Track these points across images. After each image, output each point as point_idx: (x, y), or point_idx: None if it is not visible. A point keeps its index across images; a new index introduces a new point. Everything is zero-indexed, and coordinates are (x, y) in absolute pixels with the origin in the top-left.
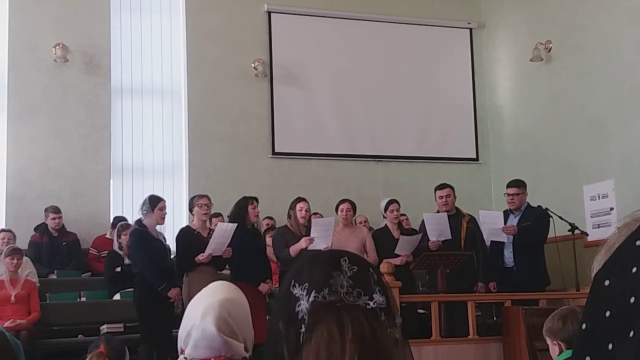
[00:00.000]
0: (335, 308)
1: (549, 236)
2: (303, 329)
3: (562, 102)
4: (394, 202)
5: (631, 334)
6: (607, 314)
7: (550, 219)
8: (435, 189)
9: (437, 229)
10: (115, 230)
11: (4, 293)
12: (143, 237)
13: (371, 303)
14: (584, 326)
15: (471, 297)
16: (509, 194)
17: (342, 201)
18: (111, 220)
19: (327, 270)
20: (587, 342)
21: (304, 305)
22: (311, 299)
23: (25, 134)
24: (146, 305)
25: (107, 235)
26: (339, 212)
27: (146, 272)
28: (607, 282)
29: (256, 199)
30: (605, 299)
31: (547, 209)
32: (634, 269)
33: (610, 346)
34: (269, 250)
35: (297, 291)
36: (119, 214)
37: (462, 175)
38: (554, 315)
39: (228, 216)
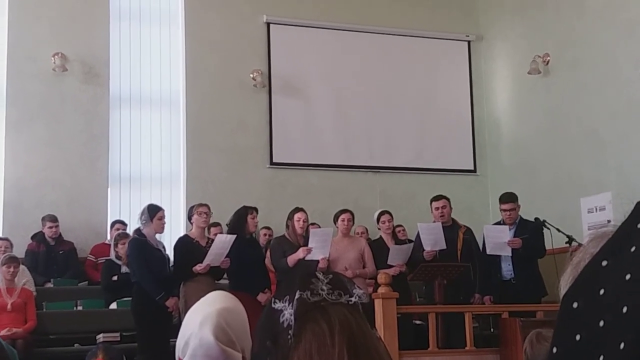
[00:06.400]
0: (320, 307)
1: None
2: (290, 335)
3: (559, 114)
4: (385, 214)
5: (601, 358)
6: (577, 337)
7: (546, 230)
8: (431, 200)
9: (432, 238)
10: (112, 239)
11: (0, 301)
12: (142, 246)
13: (352, 299)
14: (554, 350)
15: (468, 308)
16: (505, 210)
17: (343, 211)
18: (109, 226)
19: (305, 279)
20: None
21: (287, 313)
22: (295, 303)
23: (23, 143)
24: (144, 314)
25: (107, 241)
26: (340, 222)
27: (144, 281)
28: (575, 305)
29: (256, 209)
30: (575, 322)
31: (544, 220)
32: (602, 291)
33: None
34: (268, 260)
35: (278, 305)
36: None
37: (459, 186)
38: (524, 344)
39: (227, 224)
